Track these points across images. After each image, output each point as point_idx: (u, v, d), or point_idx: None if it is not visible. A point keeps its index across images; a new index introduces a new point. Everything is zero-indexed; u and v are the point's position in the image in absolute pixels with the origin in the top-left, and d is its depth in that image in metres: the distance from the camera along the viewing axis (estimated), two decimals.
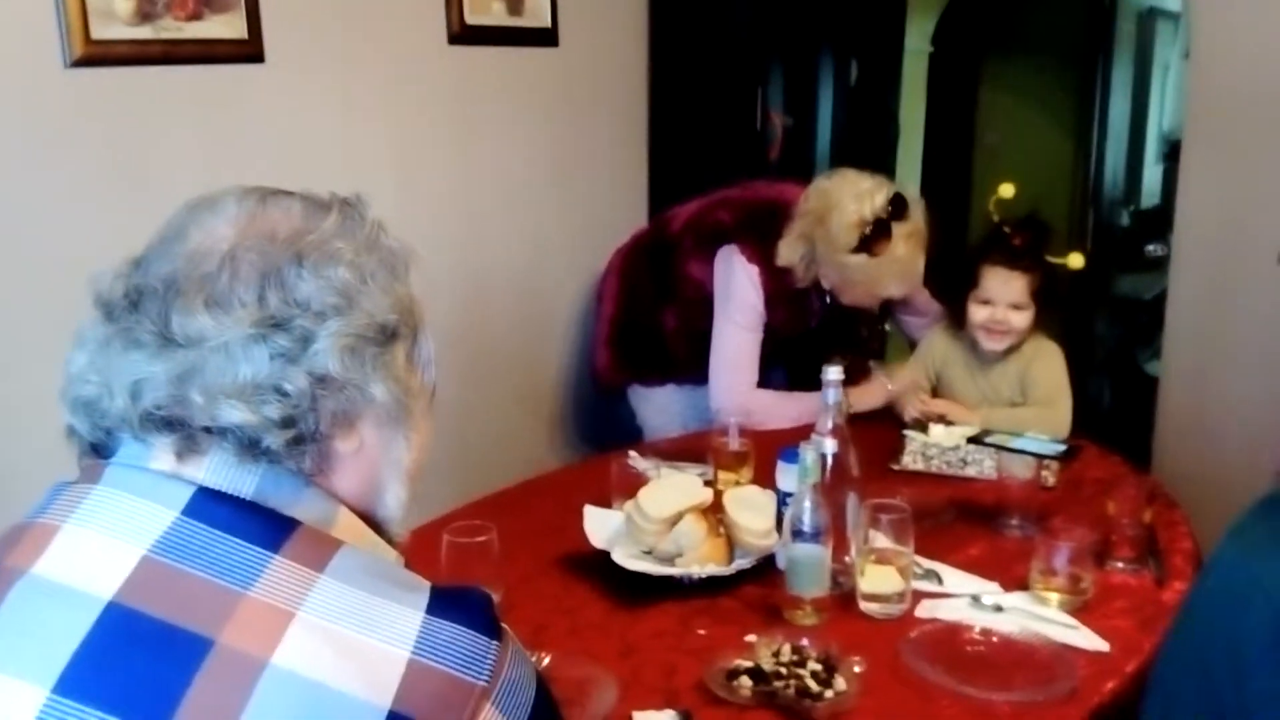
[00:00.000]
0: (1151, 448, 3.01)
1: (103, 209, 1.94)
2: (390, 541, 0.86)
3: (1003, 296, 2.21)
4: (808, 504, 1.47)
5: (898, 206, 2.19)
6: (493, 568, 1.44)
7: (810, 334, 2.44)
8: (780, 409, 2.33)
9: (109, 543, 0.73)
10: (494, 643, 0.73)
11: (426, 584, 0.75)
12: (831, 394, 1.58)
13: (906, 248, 2.20)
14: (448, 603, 0.73)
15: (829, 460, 1.56)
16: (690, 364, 2.51)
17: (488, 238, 2.73)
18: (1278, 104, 2.73)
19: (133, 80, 1.94)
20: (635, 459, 2.09)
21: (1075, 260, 2.20)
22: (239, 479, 0.75)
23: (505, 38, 2.66)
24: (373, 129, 2.41)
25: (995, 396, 2.32)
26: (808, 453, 1.48)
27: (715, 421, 2.21)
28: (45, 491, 0.79)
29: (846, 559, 1.54)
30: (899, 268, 2.22)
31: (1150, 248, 5.21)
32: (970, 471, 2.03)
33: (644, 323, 2.59)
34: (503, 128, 2.71)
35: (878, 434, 2.18)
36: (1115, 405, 4.46)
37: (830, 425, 1.58)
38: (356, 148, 2.38)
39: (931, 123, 3.67)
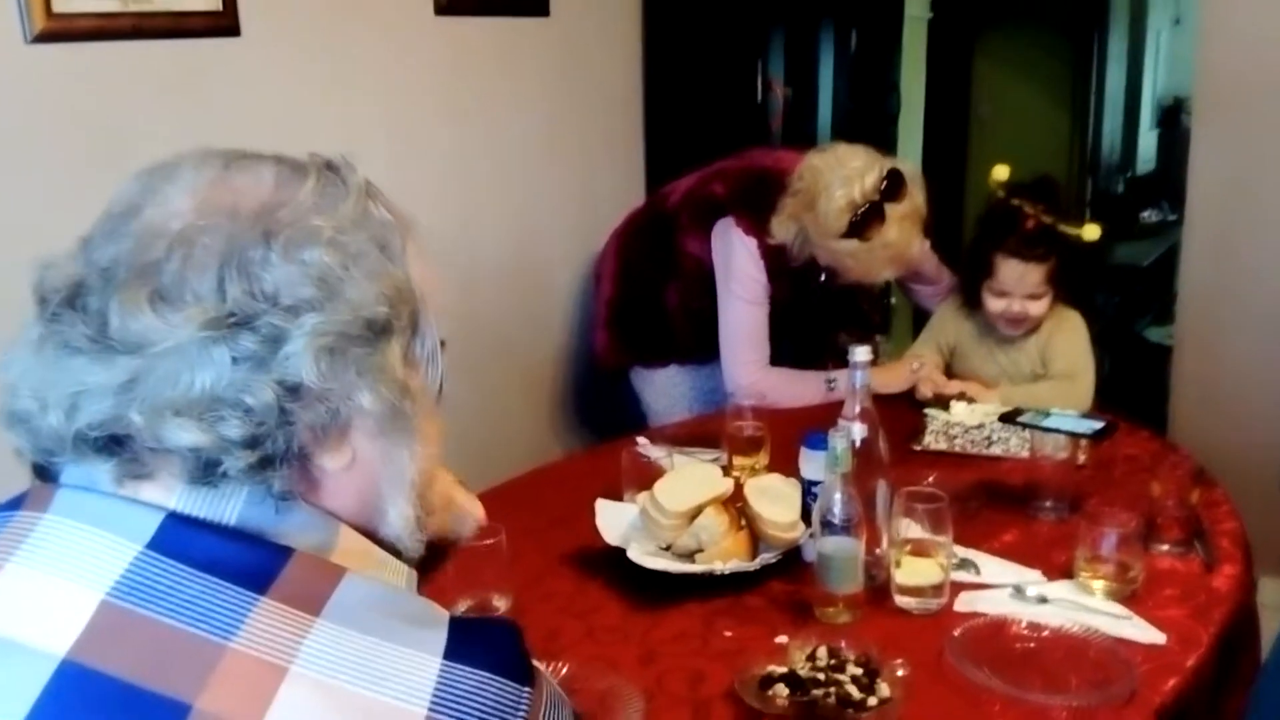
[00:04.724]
0: (1166, 415, 2.95)
1: (68, 192, 1.81)
2: (402, 557, 0.75)
3: (1019, 289, 2.11)
4: (839, 494, 1.37)
5: (891, 186, 2.08)
6: (502, 571, 1.34)
7: (812, 308, 2.33)
8: (796, 388, 2.23)
9: (61, 586, 0.61)
10: (525, 689, 0.62)
11: (444, 617, 0.64)
12: (859, 376, 1.48)
13: (899, 231, 2.09)
14: (470, 642, 0.63)
15: (857, 446, 1.46)
16: (693, 343, 2.41)
17: (481, 217, 2.62)
18: None
19: (100, 56, 1.82)
20: (645, 446, 1.99)
21: (1091, 232, 2.09)
22: (218, 501, 0.63)
23: (494, 7, 2.54)
24: (357, 104, 2.29)
25: (1015, 371, 2.23)
26: (838, 440, 1.38)
27: (727, 402, 2.11)
28: None
29: (878, 551, 1.45)
30: (892, 252, 2.12)
31: (1146, 214, 5.15)
32: (996, 450, 1.94)
33: (644, 303, 2.49)
34: (494, 101, 2.60)
35: (896, 413, 2.08)
36: (1116, 373, 4.43)
37: (858, 409, 1.48)
38: (341, 124, 2.26)
39: (931, 92, 3.57)
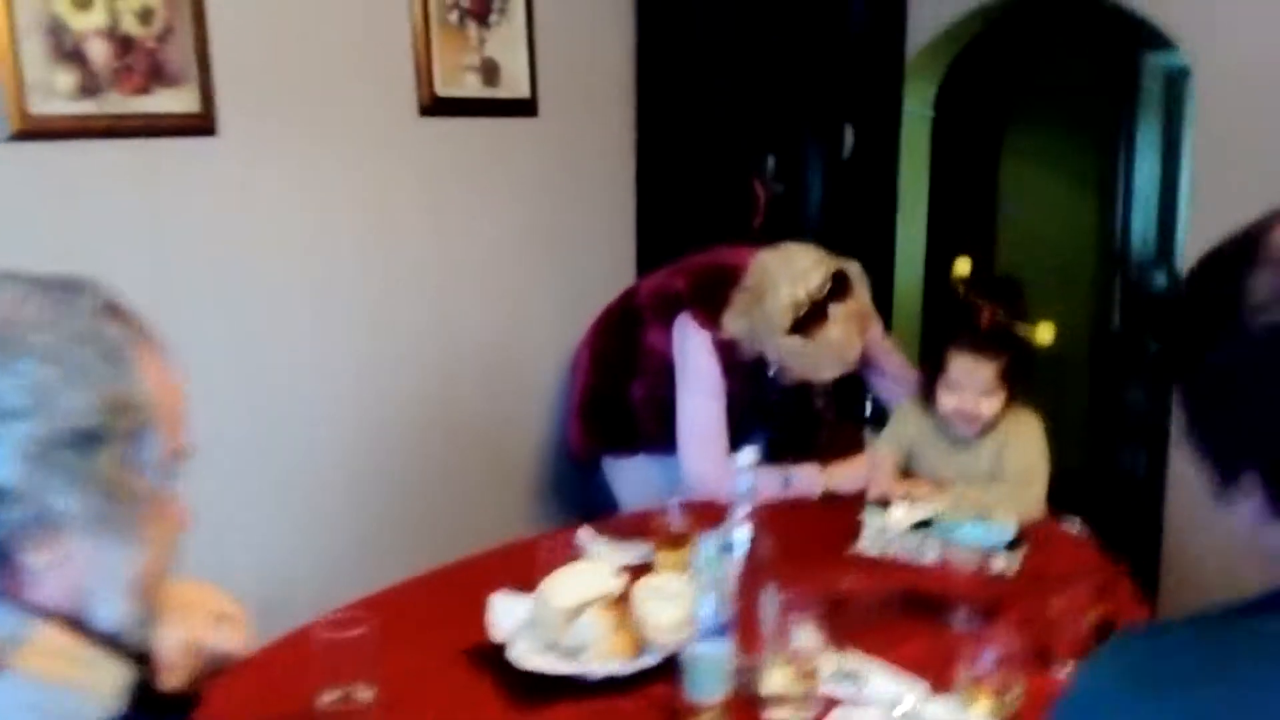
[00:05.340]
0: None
1: None
2: (131, 652, 0.79)
3: (970, 385, 2.11)
4: (707, 598, 1.38)
5: (836, 287, 2.12)
6: (368, 663, 1.36)
7: (770, 403, 2.35)
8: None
9: None
10: None
11: None
12: (745, 480, 1.49)
13: (842, 331, 2.13)
14: None
15: (740, 550, 1.46)
16: (658, 435, 2.44)
17: (460, 312, 2.68)
18: None
19: (75, 154, 1.94)
20: (584, 535, 2.02)
21: (1044, 333, 2.09)
22: None
23: (480, 109, 2.64)
24: (336, 203, 2.38)
25: (971, 473, 2.20)
26: (709, 543, 1.39)
27: (690, 494, 2.14)
28: None
29: (758, 658, 1.44)
30: (834, 351, 2.15)
31: None
32: (929, 559, 1.91)
33: (613, 394, 2.53)
34: (478, 199, 2.67)
35: (844, 513, 2.08)
36: (1152, 474, 4.27)
37: (744, 513, 1.49)
38: (318, 223, 2.36)
39: (937, 190, 3.57)
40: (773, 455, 2.42)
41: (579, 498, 2.83)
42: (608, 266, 2.99)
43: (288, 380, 2.36)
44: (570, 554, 1.84)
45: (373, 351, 2.50)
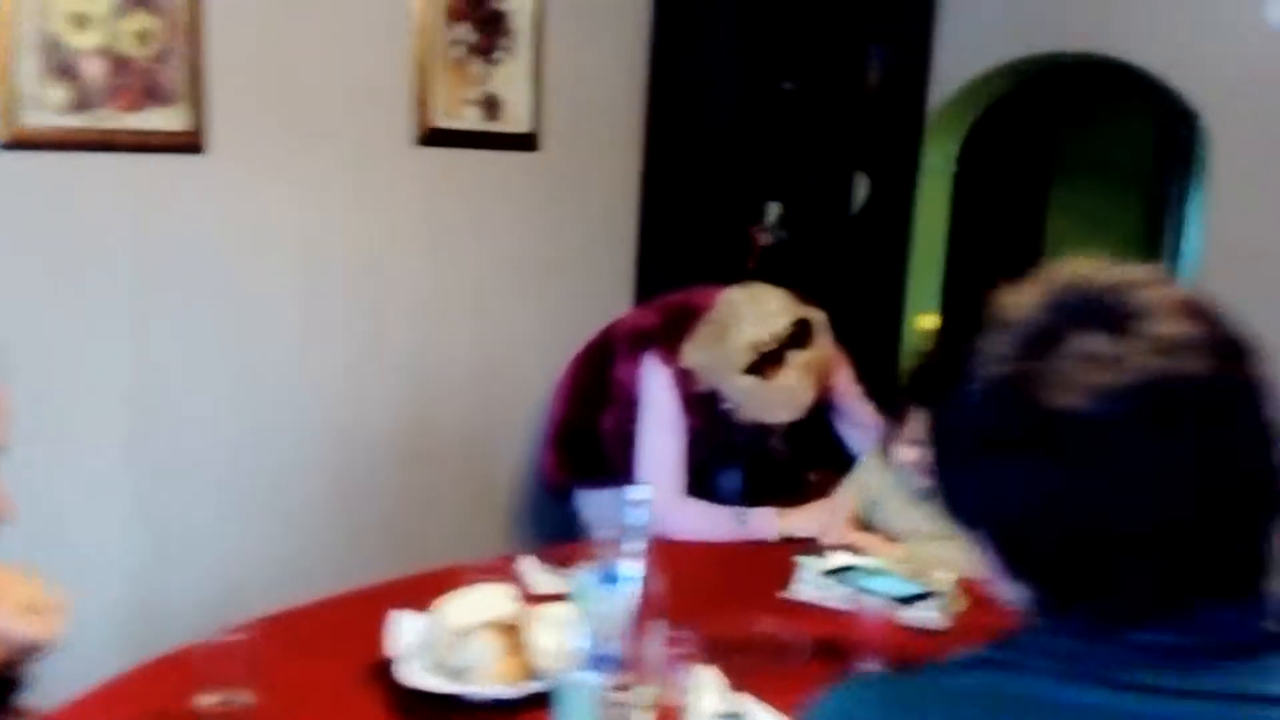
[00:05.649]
0: None
1: (27, 293, 2.03)
2: None
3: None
4: (584, 628, 1.38)
5: (799, 334, 2.12)
6: (247, 667, 1.39)
7: (730, 443, 2.35)
8: (706, 522, 2.24)
9: None
10: None
11: None
12: (634, 515, 1.49)
13: (798, 377, 2.12)
14: None
15: (630, 584, 1.46)
16: (625, 467, 2.45)
17: (450, 337, 2.73)
18: None
19: (64, 165, 2.05)
20: (528, 563, 2.04)
21: None
22: None
23: (479, 141, 2.70)
24: (325, 226, 2.46)
25: (929, 528, 2.16)
26: (587, 575, 1.39)
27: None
28: None
29: (630, 693, 1.43)
30: (787, 396, 2.15)
31: None
32: (856, 606, 1.88)
33: (585, 426, 2.56)
34: (474, 230, 2.73)
35: (790, 556, 2.06)
36: None
37: (635, 548, 1.49)
38: (306, 245, 2.43)
39: (961, 246, 3.52)
40: (744, 496, 2.42)
41: (560, 526, 2.85)
42: (605, 301, 3.02)
43: (272, 398, 2.43)
44: (497, 579, 1.86)
45: (359, 374, 2.57)
